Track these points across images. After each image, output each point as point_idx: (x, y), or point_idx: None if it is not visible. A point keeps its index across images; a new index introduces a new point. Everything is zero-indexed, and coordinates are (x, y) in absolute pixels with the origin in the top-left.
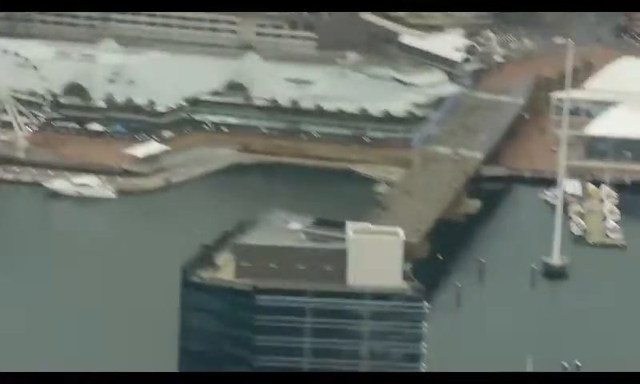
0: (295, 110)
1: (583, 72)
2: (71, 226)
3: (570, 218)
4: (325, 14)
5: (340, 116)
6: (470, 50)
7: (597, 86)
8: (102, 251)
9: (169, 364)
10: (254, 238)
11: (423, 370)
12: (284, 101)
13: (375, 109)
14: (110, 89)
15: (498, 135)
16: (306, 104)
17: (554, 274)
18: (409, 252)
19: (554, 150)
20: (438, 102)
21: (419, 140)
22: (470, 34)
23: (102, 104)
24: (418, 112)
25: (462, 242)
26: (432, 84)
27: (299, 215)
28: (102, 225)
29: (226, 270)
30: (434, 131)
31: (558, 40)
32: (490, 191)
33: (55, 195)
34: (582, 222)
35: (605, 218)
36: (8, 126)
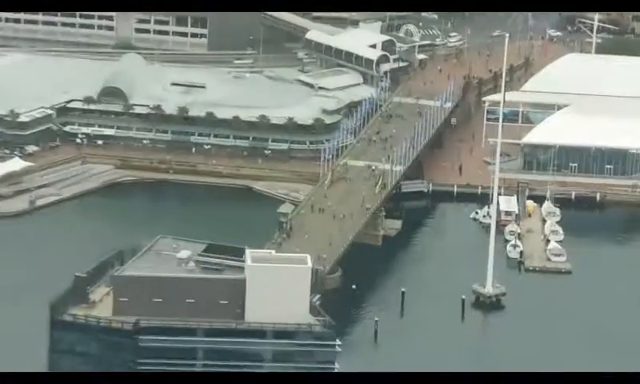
0: (183, 119)
1: (522, 70)
2: None
3: (506, 239)
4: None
5: (236, 125)
6: (388, 47)
7: (537, 87)
8: None
9: None
10: (135, 269)
11: None
12: (170, 108)
13: (277, 116)
14: None
15: (422, 145)
16: (197, 111)
17: (487, 304)
18: (318, 282)
19: (486, 162)
20: (351, 108)
21: (329, 152)
22: (389, 29)
23: None
24: (328, 119)
25: (380, 270)
26: (344, 87)
27: (189, 241)
28: None
29: (102, 305)
30: (346, 141)
31: (492, 33)
32: (412, 210)
33: None
34: (520, 245)
35: (546, 239)
36: None
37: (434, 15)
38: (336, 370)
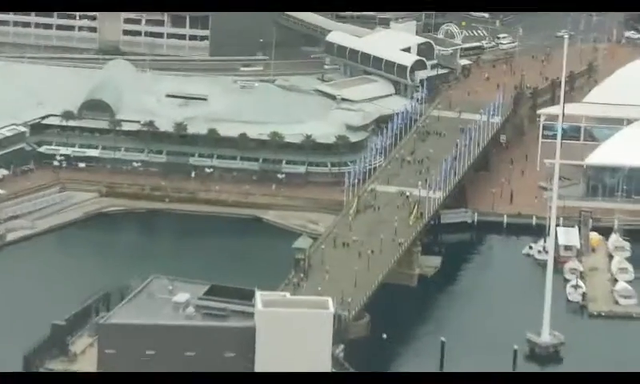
0: (181, 137)
1: (584, 78)
2: None
3: (566, 279)
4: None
5: (243, 144)
6: (424, 51)
7: (603, 98)
8: None
9: None
10: (123, 315)
11: None
12: (165, 124)
13: (293, 133)
14: None
15: (465, 167)
16: (196, 128)
17: (544, 356)
18: (341, 330)
19: (542, 187)
20: (380, 123)
21: (354, 176)
22: (425, 29)
23: None
24: (353, 137)
25: (416, 315)
26: (372, 98)
27: (187, 282)
28: None
29: (84, 359)
30: (374, 163)
31: (550, 36)
32: (454, 244)
33: None
34: (582, 285)
35: (613, 279)
36: None
37: (482, 13)
38: None
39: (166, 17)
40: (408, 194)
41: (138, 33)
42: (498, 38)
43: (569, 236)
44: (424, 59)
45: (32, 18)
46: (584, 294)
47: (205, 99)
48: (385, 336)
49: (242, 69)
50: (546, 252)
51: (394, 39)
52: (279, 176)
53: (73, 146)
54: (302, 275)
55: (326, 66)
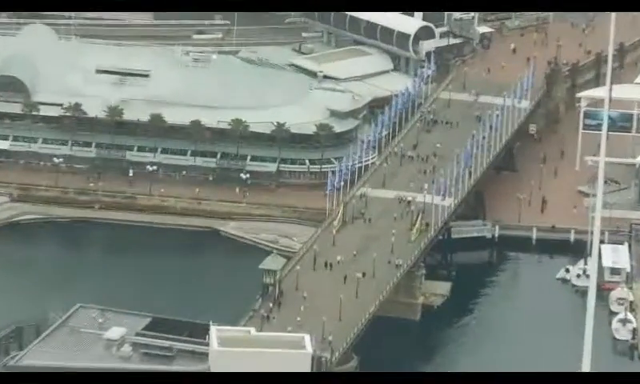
0: (116, 125)
1: (638, 52)
2: None
3: (612, 311)
4: None
5: (197, 135)
6: (433, 15)
7: None
8: None
9: None
10: (40, 355)
11: None
12: (95, 108)
13: (261, 122)
14: None
15: (484, 167)
16: (136, 113)
17: None
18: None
19: (582, 192)
20: (374, 108)
21: (340, 176)
22: None
23: None
24: (338, 126)
25: (418, 357)
26: (363, 76)
27: (123, 313)
28: None
29: None
30: (366, 160)
31: None
32: (468, 266)
33: None
34: (633, 319)
35: None
36: None
37: None
38: None
39: None
40: (409, 199)
41: None
42: None
43: (616, 256)
44: (431, 25)
45: None
46: (635, 331)
47: (147, 76)
48: None
49: (195, 37)
50: (587, 276)
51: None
52: (243, 176)
53: None
54: (271, 305)
55: (304, 34)
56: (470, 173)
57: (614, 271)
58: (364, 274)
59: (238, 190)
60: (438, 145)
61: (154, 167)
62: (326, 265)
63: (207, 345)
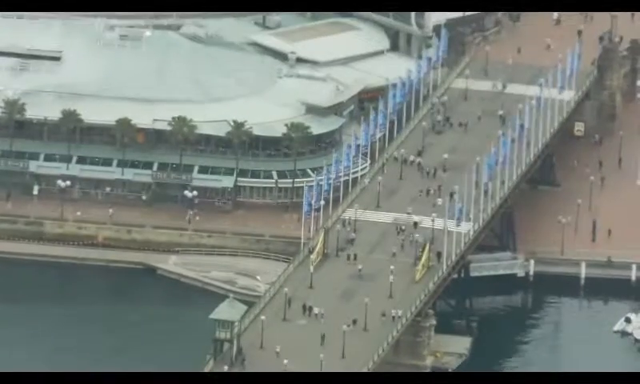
0: (15, 126)
1: None
2: None
3: None
4: None
5: (125, 138)
6: None
7: None
8: None
9: None
10: None
11: None
12: None
13: (212, 121)
14: None
15: (513, 181)
16: (42, 110)
17: None
18: None
19: None
20: (365, 102)
21: (319, 194)
22: None
23: None
24: (317, 125)
25: None
26: (350, 58)
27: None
28: None
29: None
30: (354, 171)
31: None
32: (494, 315)
33: None
34: None
35: None
36: None
37: None
38: None
39: None
40: (414, 223)
41: None
42: None
43: None
44: None
45: None
46: None
47: (57, 59)
48: None
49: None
50: None
51: None
52: (188, 194)
53: None
54: (226, 368)
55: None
56: (494, 189)
57: None
58: (352, 324)
59: (177, 213)
60: (451, 151)
61: (67, 182)
62: (304, 310)
63: None
